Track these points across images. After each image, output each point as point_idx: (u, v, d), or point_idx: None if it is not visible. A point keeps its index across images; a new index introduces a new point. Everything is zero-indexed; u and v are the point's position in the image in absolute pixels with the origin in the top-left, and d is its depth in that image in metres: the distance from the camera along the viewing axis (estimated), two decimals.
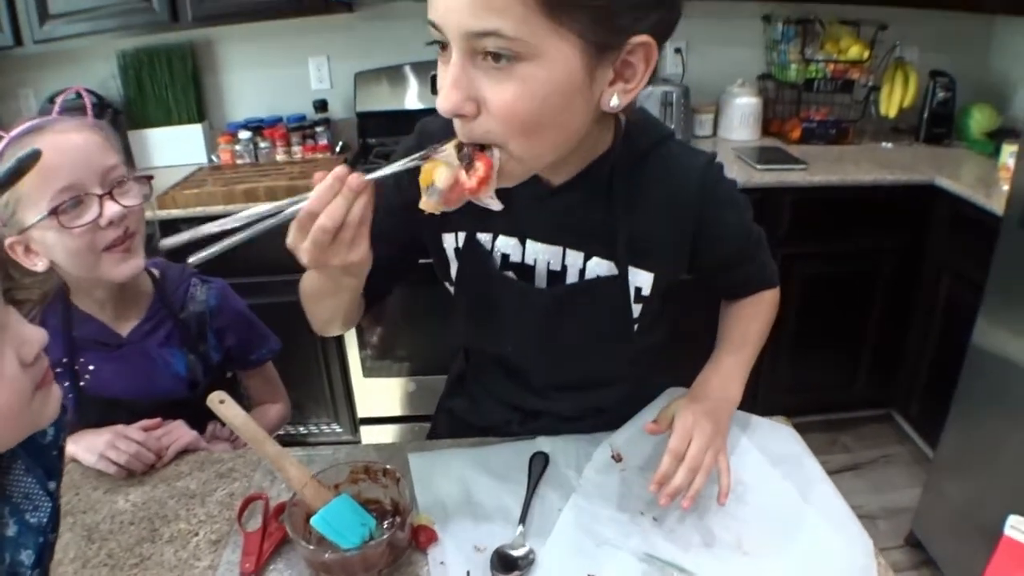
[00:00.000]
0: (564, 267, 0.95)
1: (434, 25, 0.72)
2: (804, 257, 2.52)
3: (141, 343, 1.22)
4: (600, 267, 0.93)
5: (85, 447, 1.08)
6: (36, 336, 0.59)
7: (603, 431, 1.08)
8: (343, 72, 2.93)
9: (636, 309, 0.96)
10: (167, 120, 2.93)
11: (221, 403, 0.89)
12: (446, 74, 0.72)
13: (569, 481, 0.99)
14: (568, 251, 0.94)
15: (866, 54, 2.72)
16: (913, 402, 2.67)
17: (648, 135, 0.92)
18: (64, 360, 1.16)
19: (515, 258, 0.96)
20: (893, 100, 2.81)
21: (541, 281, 0.96)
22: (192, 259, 0.73)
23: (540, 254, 0.95)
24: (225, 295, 1.33)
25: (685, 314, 1.29)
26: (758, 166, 2.46)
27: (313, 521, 0.83)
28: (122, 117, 2.93)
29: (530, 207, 0.90)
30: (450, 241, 0.98)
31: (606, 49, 0.72)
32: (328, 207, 0.72)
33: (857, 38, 2.75)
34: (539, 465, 1.01)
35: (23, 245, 1.07)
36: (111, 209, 1.07)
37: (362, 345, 2.57)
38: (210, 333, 1.29)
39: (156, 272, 1.27)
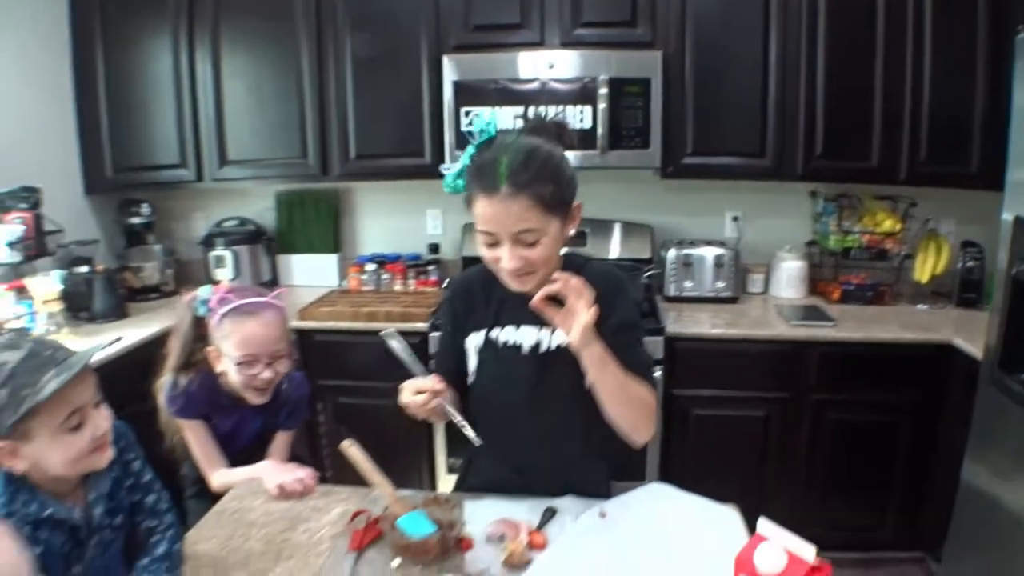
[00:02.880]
0: (538, 342, 1.53)
1: (487, 232, 1.35)
2: (833, 404, 2.84)
3: (247, 409, 1.86)
4: (561, 337, 1.46)
5: (269, 474, 1.68)
6: (104, 423, 1.19)
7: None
8: (454, 223, 3.59)
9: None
10: (308, 248, 3.65)
11: (350, 447, 1.42)
12: (504, 252, 1.37)
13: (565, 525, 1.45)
14: (542, 330, 1.53)
15: (898, 227, 3.14)
16: (941, 547, 2.85)
17: (577, 261, 1.55)
18: (203, 411, 1.83)
19: (510, 341, 1.54)
20: (926, 267, 3.18)
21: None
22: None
23: (527, 334, 1.53)
24: (301, 393, 1.98)
25: None
26: (791, 322, 2.88)
27: (398, 522, 1.33)
28: (274, 243, 3.66)
29: (519, 307, 1.47)
30: (472, 342, 1.59)
31: (566, 214, 1.40)
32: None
33: (891, 212, 3.18)
34: (548, 515, 1.47)
35: (216, 357, 1.77)
36: (267, 373, 1.77)
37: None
38: (281, 412, 1.94)
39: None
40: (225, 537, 1.46)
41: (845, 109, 2.95)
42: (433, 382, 1.42)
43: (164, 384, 1.82)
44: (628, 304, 1.55)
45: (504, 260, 1.38)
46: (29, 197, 3.01)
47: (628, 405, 1.44)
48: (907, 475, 2.88)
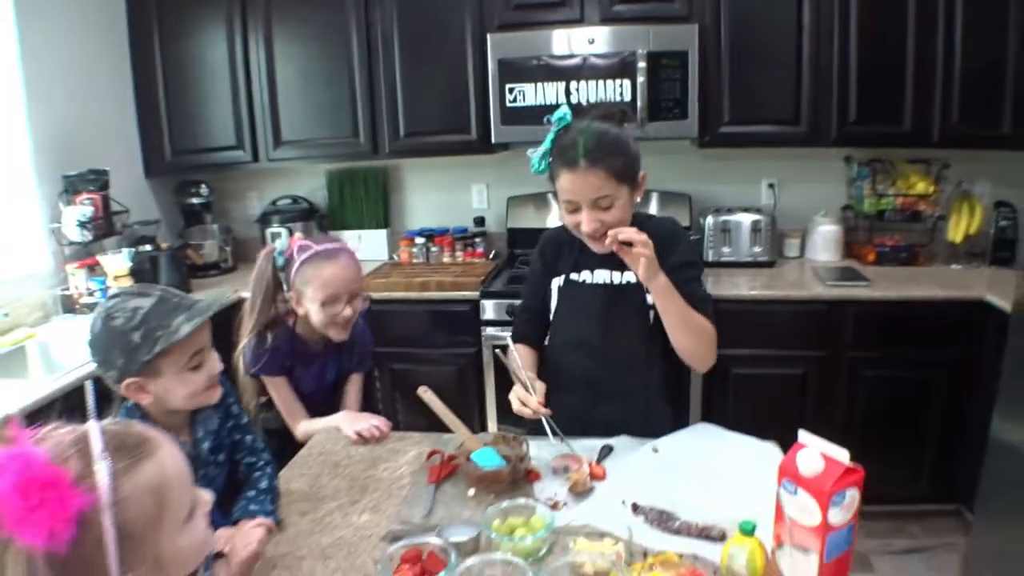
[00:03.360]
0: (610, 281, 1.78)
1: (569, 200, 1.63)
2: (869, 361, 2.94)
3: (323, 356, 2.06)
4: (629, 276, 1.73)
5: (346, 423, 1.85)
6: (218, 364, 1.38)
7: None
8: (498, 196, 3.74)
9: (649, 301, 1.69)
10: (359, 224, 3.81)
11: (425, 392, 1.58)
12: (584, 216, 1.62)
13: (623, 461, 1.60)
14: (613, 272, 1.77)
15: (931, 189, 3.22)
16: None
17: (642, 215, 1.79)
18: (287, 364, 1.99)
19: (589, 281, 1.80)
20: (960, 228, 3.25)
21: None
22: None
23: (601, 275, 1.79)
24: (365, 336, 2.16)
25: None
26: (827, 283, 2.99)
27: (472, 456, 1.48)
28: (325, 220, 3.84)
29: (595, 253, 1.72)
30: (555, 283, 1.85)
31: (634, 183, 1.58)
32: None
33: (924, 175, 3.26)
34: (606, 451, 1.62)
35: (298, 301, 1.93)
36: (347, 311, 1.93)
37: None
38: (351, 355, 2.12)
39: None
40: (314, 476, 1.63)
41: (878, 75, 3.03)
42: (538, 403, 1.63)
43: (246, 347, 1.97)
44: (686, 247, 1.79)
45: (584, 224, 1.63)
46: (97, 179, 3.21)
47: (691, 332, 1.67)
48: (943, 429, 2.96)
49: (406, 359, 3.20)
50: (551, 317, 1.88)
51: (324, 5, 3.34)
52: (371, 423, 1.82)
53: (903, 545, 2.99)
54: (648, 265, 1.56)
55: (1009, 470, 2.25)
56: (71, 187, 3.15)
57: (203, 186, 3.79)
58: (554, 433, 1.63)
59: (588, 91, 3.08)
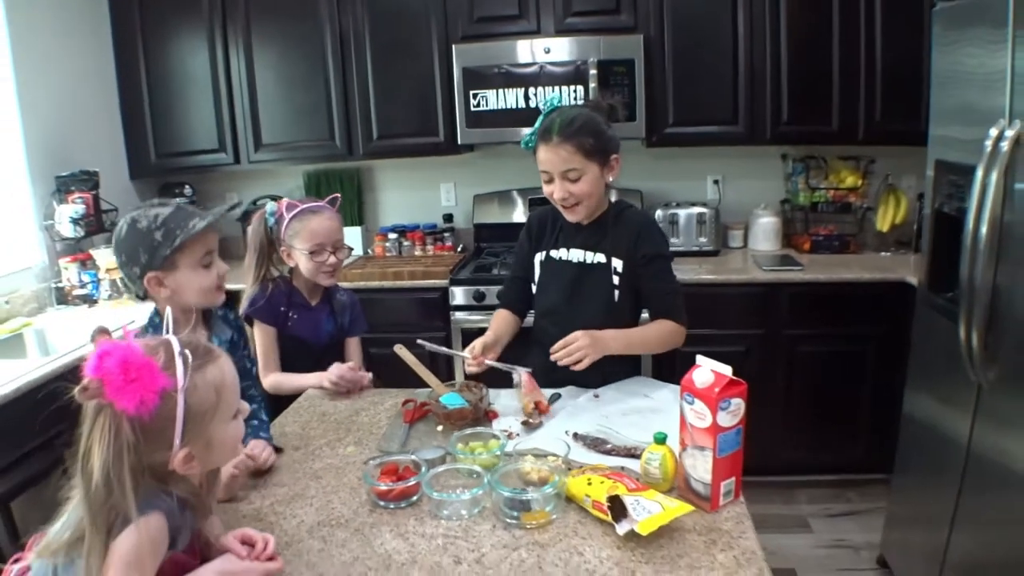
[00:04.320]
0: (583, 259, 2.02)
1: (545, 171, 1.87)
2: (804, 338, 3.23)
3: (318, 309, 2.27)
4: (600, 257, 1.98)
5: (316, 380, 2.09)
6: (224, 267, 1.64)
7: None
8: (465, 194, 4.03)
9: (615, 281, 1.97)
10: None
11: (400, 349, 1.86)
12: (556, 187, 1.89)
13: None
14: (586, 252, 2.01)
15: (860, 182, 3.55)
16: None
17: (622, 205, 2.04)
18: (282, 309, 2.21)
19: (564, 258, 2.05)
20: (887, 218, 3.57)
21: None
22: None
23: (575, 254, 2.03)
24: (354, 300, 2.40)
25: None
26: (763, 268, 3.30)
27: (441, 398, 1.76)
28: None
29: (573, 234, 2.01)
30: (538, 258, 2.11)
31: (604, 162, 1.81)
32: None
33: (854, 170, 3.58)
34: (555, 397, 1.90)
35: (288, 255, 2.16)
36: (332, 259, 2.15)
37: None
38: (344, 314, 2.33)
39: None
40: (304, 422, 1.89)
41: (807, 78, 3.35)
42: (473, 359, 1.91)
43: (248, 295, 2.21)
44: (657, 238, 2.03)
45: (555, 192, 1.91)
46: (89, 179, 3.44)
47: (661, 346, 1.97)
48: (873, 402, 3.24)
49: (381, 344, 3.41)
50: (533, 289, 2.15)
51: (300, 15, 3.60)
52: (346, 377, 2.07)
53: (840, 509, 3.26)
54: (592, 355, 1.78)
55: (919, 438, 2.51)
56: (63, 187, 3.38)
57: (187, 187, 4.02)
58: (506, 368, 1.93)
59: (545, 96, 3.36)
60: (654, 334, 1.96)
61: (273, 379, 2.18)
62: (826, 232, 3.61)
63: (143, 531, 1.04)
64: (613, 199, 2.08)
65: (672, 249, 3.57)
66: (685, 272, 3.30)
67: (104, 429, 1.01)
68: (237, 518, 1.41)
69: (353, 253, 3.92)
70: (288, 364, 2.22)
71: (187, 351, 1.09)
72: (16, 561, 1.19)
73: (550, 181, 1.91)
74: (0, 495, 2.26)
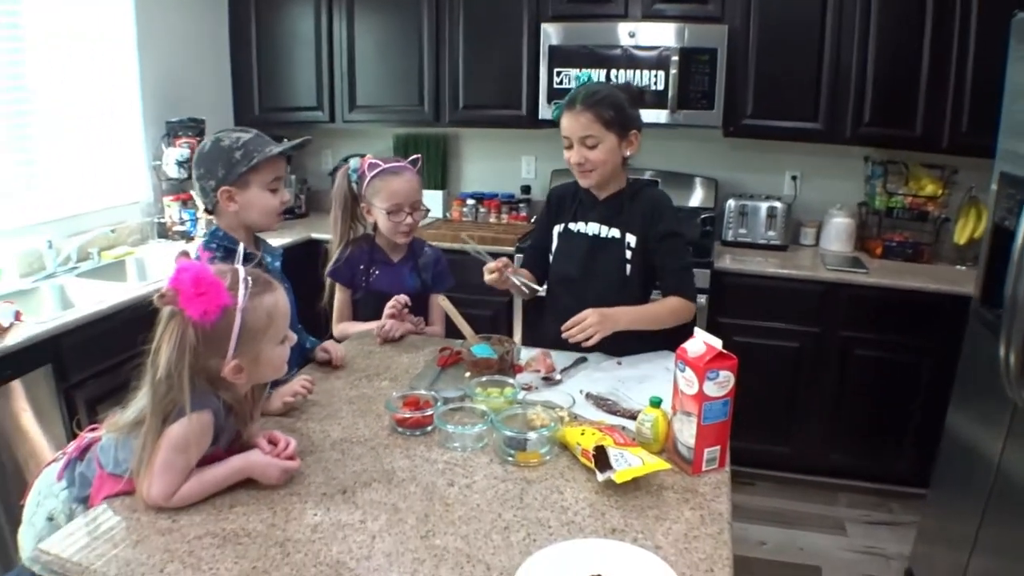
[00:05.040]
0: (598, 232, 2.14)
1: (566, 136, 2.01)
2: (859, 341, 3.24)
3: (400, 265, 2.39)
4: (615, 232, 2.09)
5: (373, 327, 2.24)
6: (288, 195, 1.83)
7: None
8: (544, 168, 4.15)
9: (628, 256, 2.08)
10: None
11: (443, 300, 2.05)
12: (573, 153, 2.02)
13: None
14: (602, 226, 2.12)
15: (940, 192, 3.49)
16: None
17: (639, 184, 2.13)
18: (362, 267, 2.35)
19: (582, 231, 2.16)
20: (965, 231, 3.49)
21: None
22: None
23: (592, 227, 2.15)
24: (439, 257, 2.48)
25: None
26: (826, 267, 3.31)
27: (472, 348, 1.91)
28: None
29: (591, 209, 2.11)
30: (556, 229, 2.22)
31: (623, 136, 1.92)
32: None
33: (935, 179, 3.52)
34: (581, 361, 2.02)
35: (368, 211, 2.31)
36: (409, 220, 2.29)
37: None
38: (428, 271, 2.43)
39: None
40: (352, 356, 2.08)
41: (893, 81, 3.31)
42: (497, 263, 2.05)
43: (334, 255, 2.37)
44: (672, 217, 2.13)
45: (573, 156, 2.04)
46: (195, 127, 3.74)
47: (669, 321, 2.05)
48: (924, 415, 3.18)
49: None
50: (550, 259, 2.27)
51: None
52: (391, 325, 2.21)
53: (879, 517, 3.24)
54: (602, 332, 1.88)
55: (955, 455, 2.50)
56: (172, 131, 3.69)
57: (284, 140, 4.24)
58: (524, 282, 2.10)
59: (626, 78, 3.44)
60: (663, 310, 2.06)
61: (340, 327, 2.37)
62: (900, 239, 3.57)
63: (194, 422, 1.27)
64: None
65: (740, 240, 3.70)
66: (749, 264, 3.35)
67: (173, 331, 1.25)
68: (274, 424, 1.60)
69: (431, 215, 4.20)
70: (373, 318, 2.31)
71: (250, 279, 1.31)
72: (93, 430, 1.44)
73: (570, 147, 2.04)
74: (90, 398, 2.57)
